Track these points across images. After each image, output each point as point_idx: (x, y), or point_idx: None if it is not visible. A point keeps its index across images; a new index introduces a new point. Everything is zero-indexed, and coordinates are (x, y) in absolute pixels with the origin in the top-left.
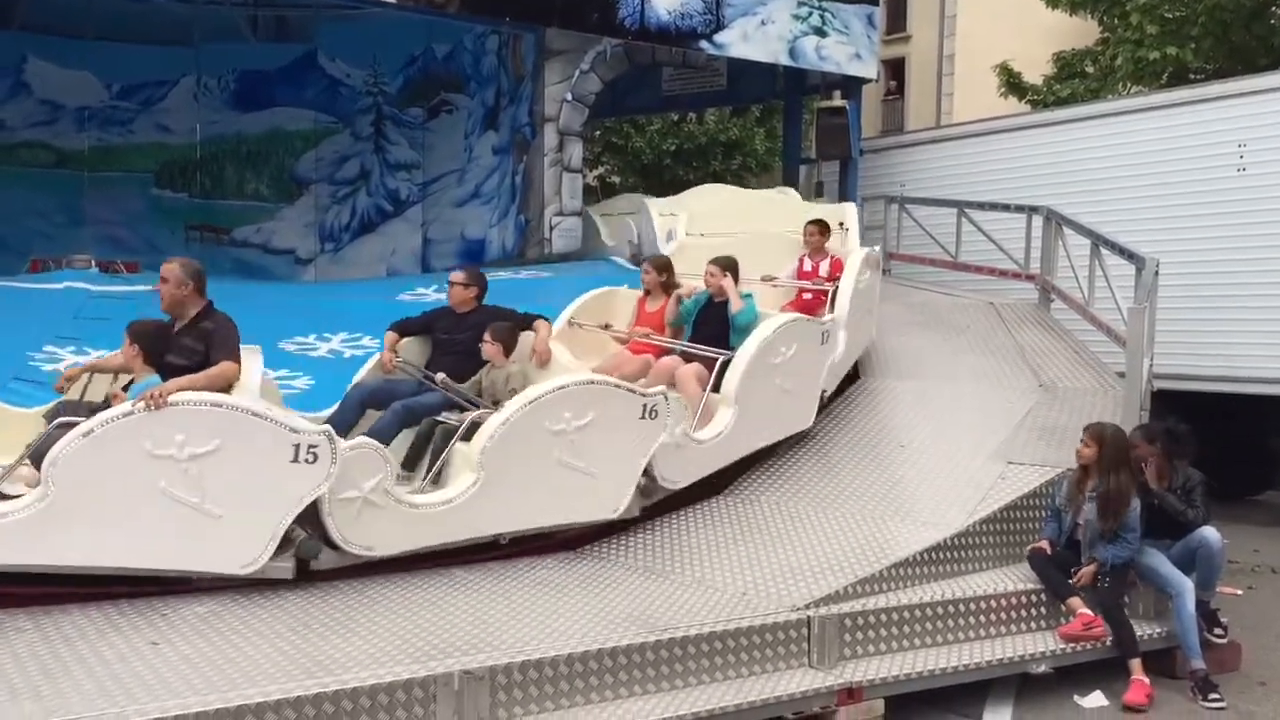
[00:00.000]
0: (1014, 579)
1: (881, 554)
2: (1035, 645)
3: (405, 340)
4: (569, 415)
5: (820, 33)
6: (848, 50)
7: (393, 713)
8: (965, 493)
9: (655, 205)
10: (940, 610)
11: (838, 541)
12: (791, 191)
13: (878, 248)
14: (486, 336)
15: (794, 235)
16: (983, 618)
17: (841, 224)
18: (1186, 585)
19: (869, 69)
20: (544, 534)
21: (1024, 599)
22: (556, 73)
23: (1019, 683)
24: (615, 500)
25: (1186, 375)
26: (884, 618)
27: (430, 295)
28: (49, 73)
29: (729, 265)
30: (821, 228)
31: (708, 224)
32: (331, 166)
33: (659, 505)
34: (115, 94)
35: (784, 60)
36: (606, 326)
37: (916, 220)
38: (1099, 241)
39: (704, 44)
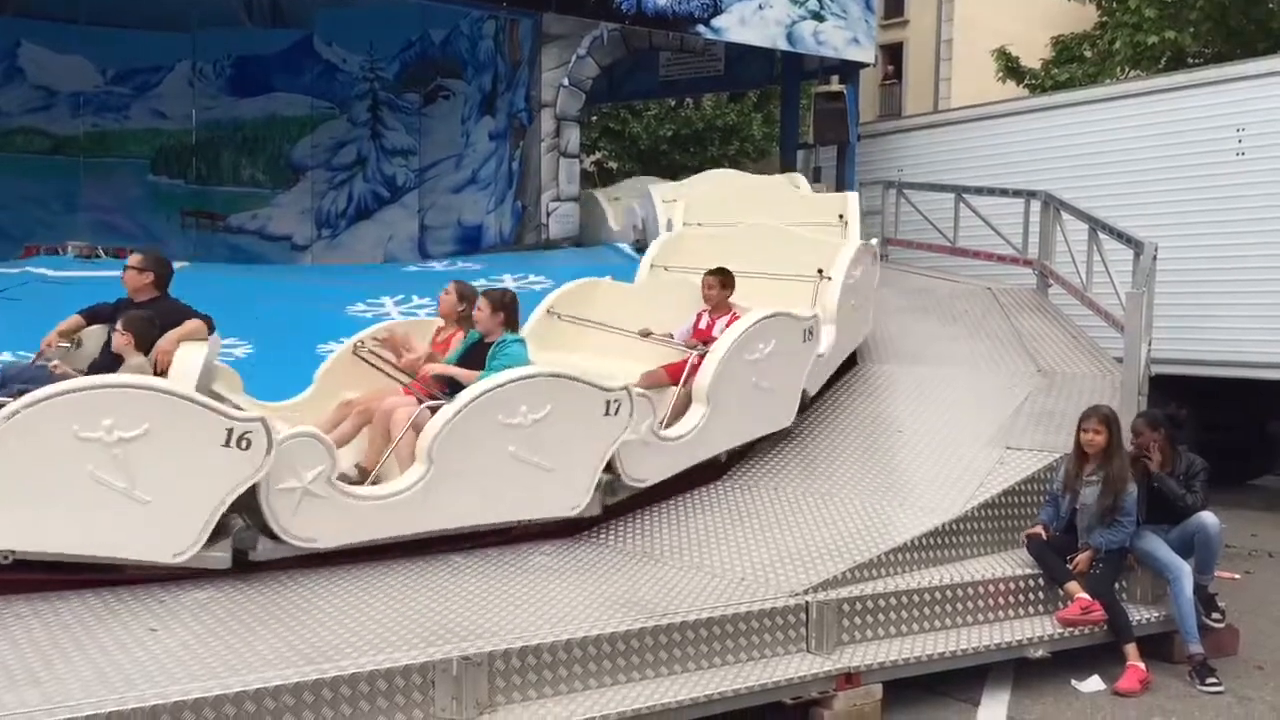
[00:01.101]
0: (1012, 564)
1: (880, 539)
2: (1033, 630)
3: (94, 328)
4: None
5: (818, 17)
6: (845, 35)
7: (391, 698)
8: (963, 478)
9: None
10: (938, 595)
11: (836, 527)
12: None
13: (875, 240)
14: (118, 326)
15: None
16: (980, 603)
17: (841, 216)
18: (1184, 570)
19: (867, 54)
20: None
21: (1021, 584)
22: (553, 58)
23: (1016, 667)
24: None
25: (1184, 360)
26: (882, 603)
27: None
28: (43, 58)
29: (501, 304)
30: (723, 280)
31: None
32: (328, 152)
33: (630, 501)
34: (110, 79)
35: (781, 45)
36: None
37: (914, 205)
38: (1097, 226)
39: (701, 28)
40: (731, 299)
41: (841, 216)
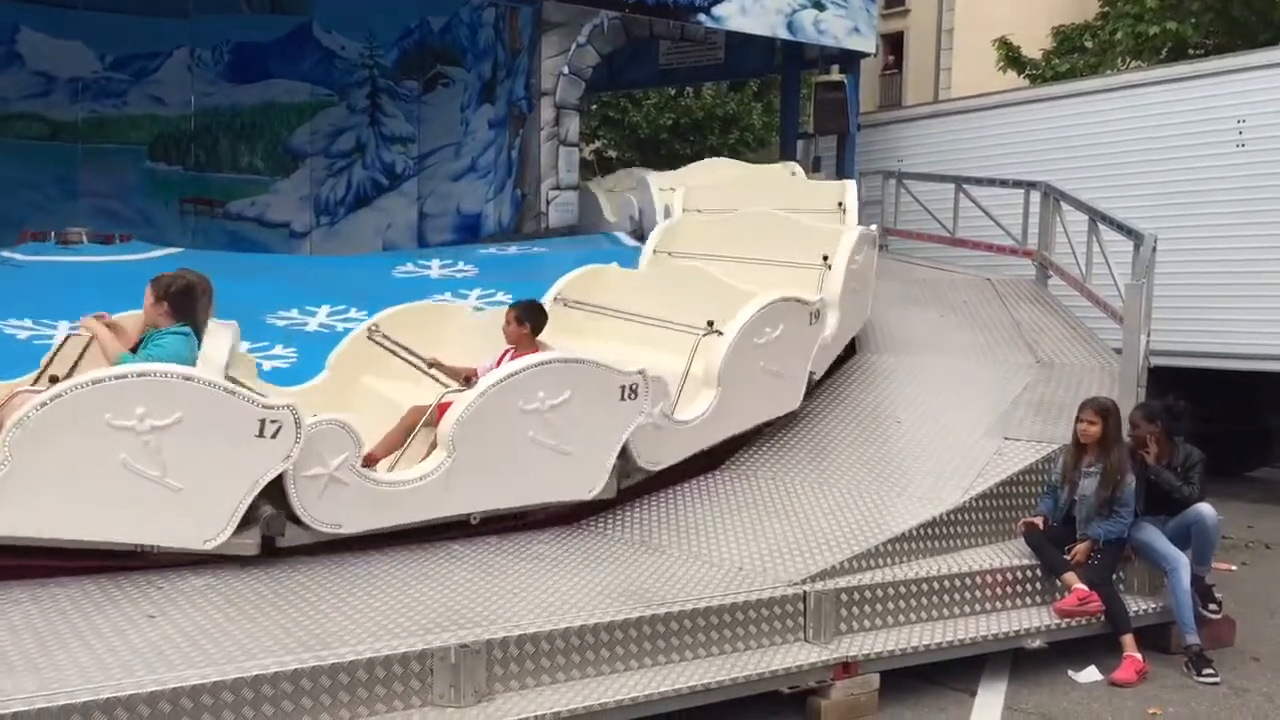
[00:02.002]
0: (1009, 554)
1: (878, 529)
2: (1030, 620)
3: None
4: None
5: (818, 6)
6: (846, 24)
7: (390, 686)
8: (961, 468)
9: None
10: (936, 585)
11: (834, 517)
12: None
13: (875, 226)
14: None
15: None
16: (978, 593)
17: (840, 204)
18: (1181, 561)
19: (867, 43)
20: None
21: (1019, 574)
22: (553, 46)
23: (1014, 657)
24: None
25: (1183, 351)
26: (880, 593)
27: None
28: (41, 43)
29: (166, 293)
30: (519, 315)
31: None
32: (326, 139)
33: (641, 486)
34: (108, 65)
35: (782, 34)
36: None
37: (914, 196)
38: (1097, 217)
39: (702, 17)
40: (551, 331)
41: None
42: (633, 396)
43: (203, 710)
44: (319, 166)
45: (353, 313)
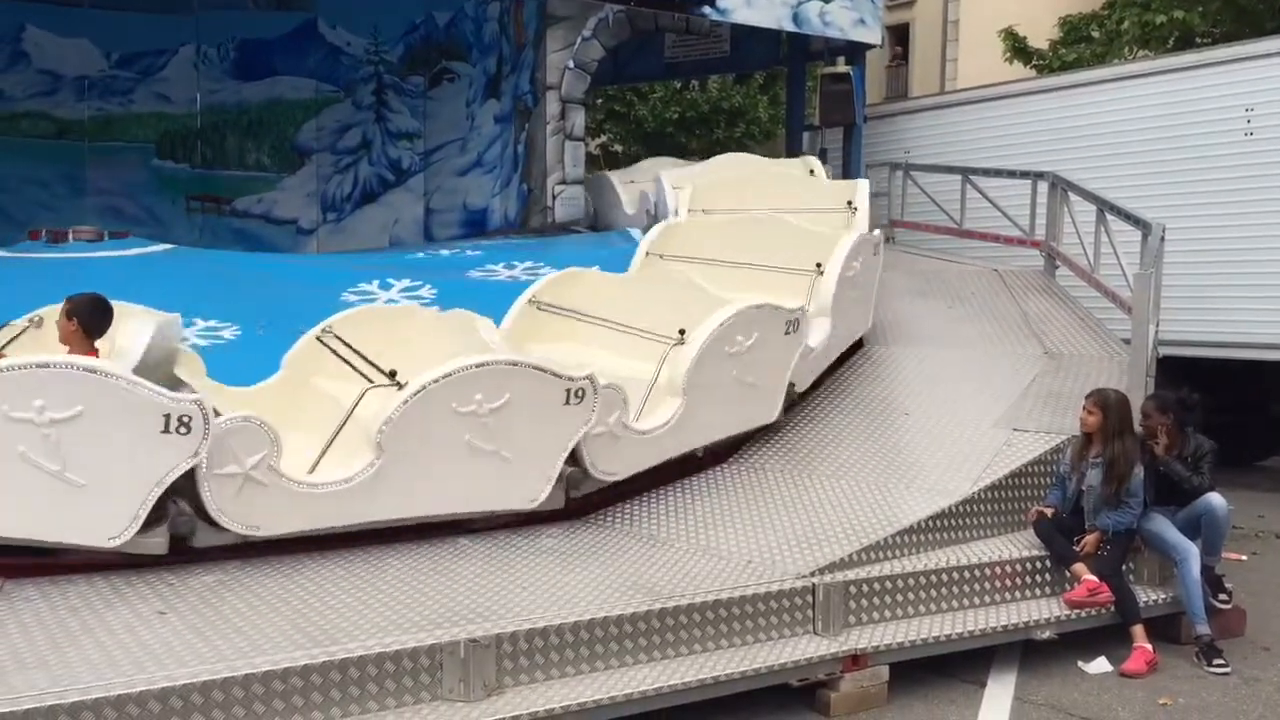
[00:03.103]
0: (1019, 546)
1: (886, 521)
2: (1040, 611)
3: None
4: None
5: None
6: (852, 15)
7: (399, 681)
8: (970, 460)
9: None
10: (945, 577)
11: (843, 509)
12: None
13: (878, 231)
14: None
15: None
16: (987, 584)
17: (850, 203)
18: (1191, 551)
19: (873, 34)
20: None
21: (1028, 565)
22: (558, 40)
23: (1023, 649)
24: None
25: (1192, 341)
26: (889, 585)
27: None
28: (47, 42)
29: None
30: (70, 311)
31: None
32: (333, 136)
33: (633, 487)
34: (114, 63)
35: (787, 26)
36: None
37: (921, 187)
38: (1105, 207)
39: (707, 9)
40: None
41: (851, 203)
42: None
43: (213, 706)
44: (325, 163)
45: None
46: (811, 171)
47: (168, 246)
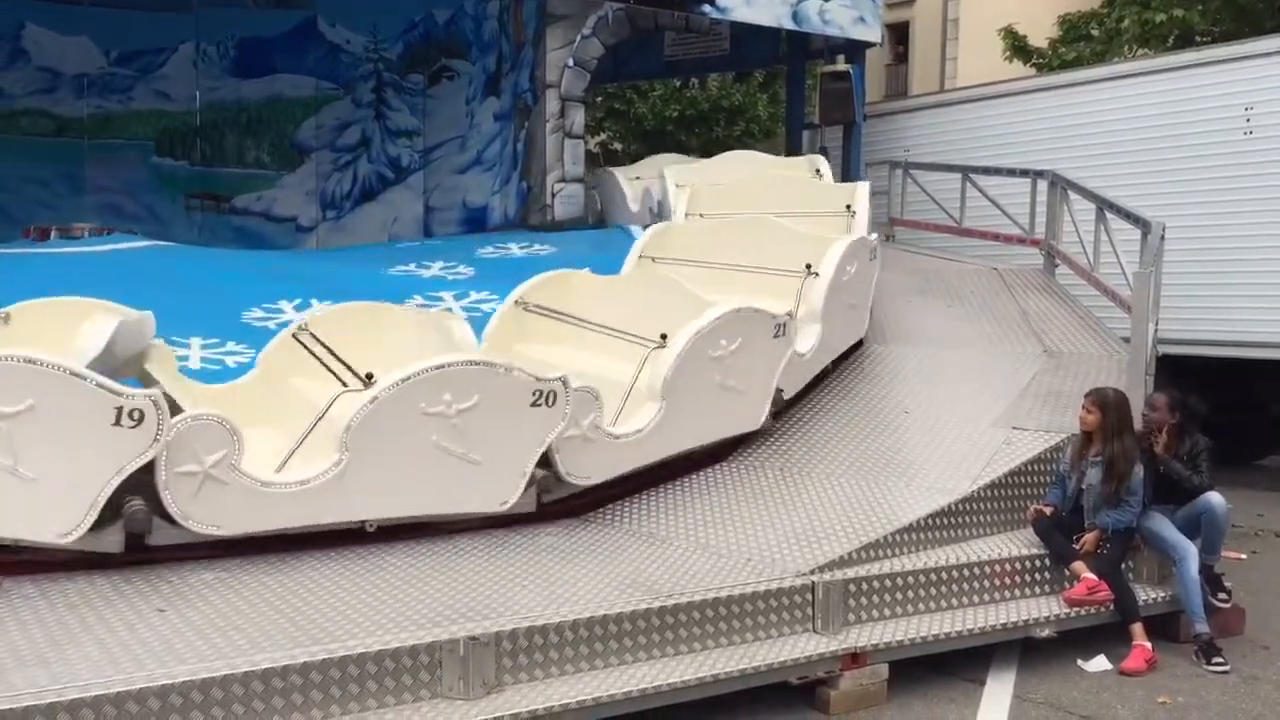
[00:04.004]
0: (1018, 544)
1: (886, 519)
2: (1039, 610)
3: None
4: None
5: None
6: (851, 14)
7: (399, 678)
8: (970, 458)
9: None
10: (944, 575)
11: (842, 507)
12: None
13: (875, 235)
14: None
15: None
16: (987, 582)
17: (849, 206)
18: (1190, 550)
19: (873, 33)
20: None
21: (1028, 564)
22: (558, 38)
23: (1023, 647)
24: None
25: (1192, 340)
26: (888, 583)
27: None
28: (47, 39)
29: None
30: None
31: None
32: (332, 134)
33: (633, 484)
34: (114, 60)
35: (787, 24)
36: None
37: (921, 185)
38: (1104, 206)
39: (706, 8)
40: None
41: (849, 207)
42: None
43: (212, 703)
44: (325, 161)
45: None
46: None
47: (144, 242)
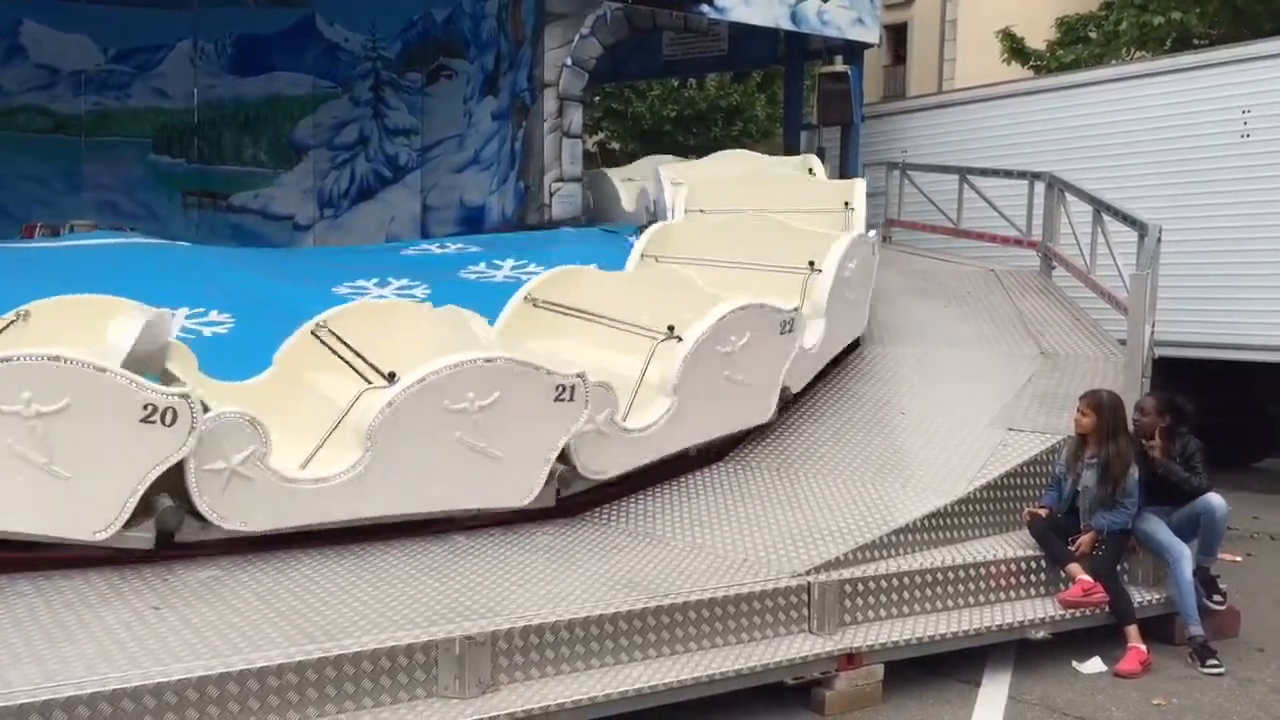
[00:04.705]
0: (1014, 545)
1: (882, 520)
2: (1034, 611)
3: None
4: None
5: None
6: (850, 15)
7: (395, 677)
8: (966, 460)
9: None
10: (940, 576)
11: (838, 508)
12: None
13: (874, 231)
14: None
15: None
16: (982, 584)
17: (847, 203)
18: (1184, 551)
19: (871, 34)
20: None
21: (1023, 565)
22: (556, 37)
23: (1018, 648)
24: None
25: (1188, 342)
26: (884, 584)
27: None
28: (45, 36)
29: None
30: None
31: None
32: (330, 132)
33: (630, 486)
34: (111, 58)
35: (785, 25)
36: None
37: (918, 187)
38: (1101, 208)
39: (705, 7)
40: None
41: (848, 204)
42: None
43: (208, 702)
44: (322, 159)
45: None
46: (810, 170)
47: (119, 239)
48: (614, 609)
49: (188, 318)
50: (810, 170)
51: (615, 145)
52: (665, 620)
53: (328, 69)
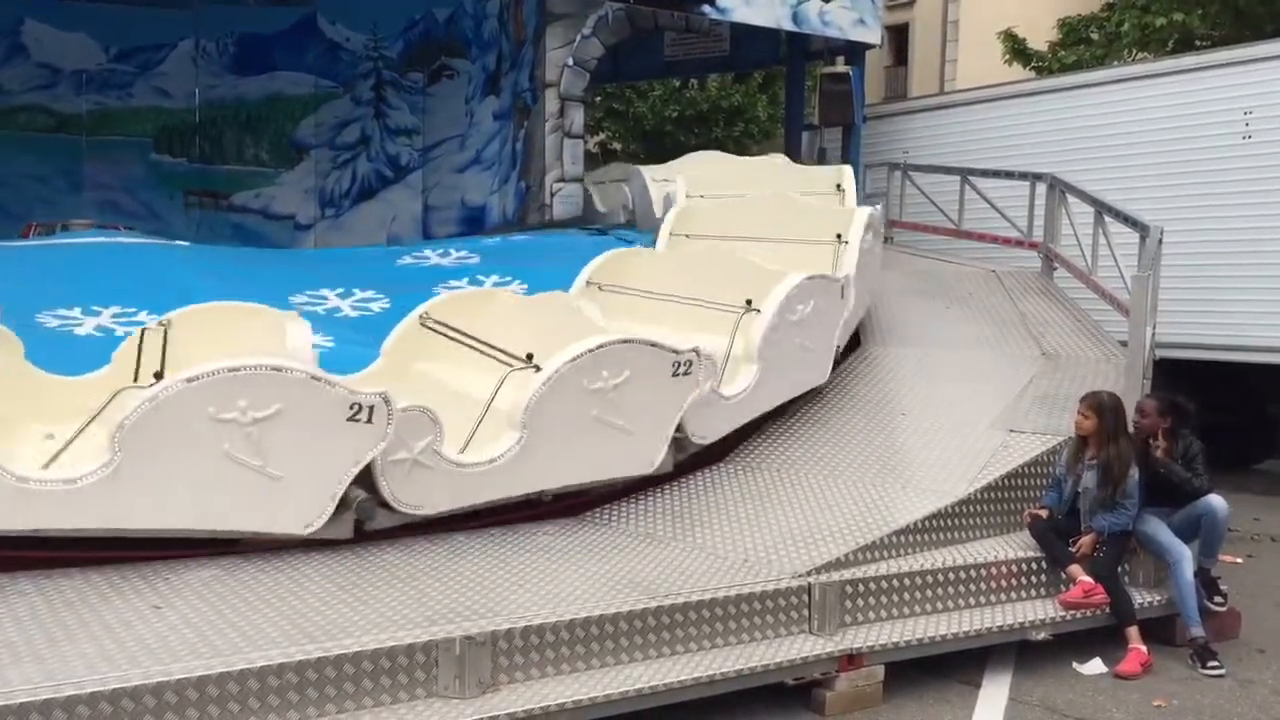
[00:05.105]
0: (1014, 547)
1: (883, 521)
2: (1035, 612)
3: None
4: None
5: None
6: (851, 15)
7: (394, 677)
8: (966, 461)
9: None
10: (941, 577)
11: (839, 508)
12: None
13: (879, 206)
14: None
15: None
16: (983, 585)
17: (839, 186)
18: (1185, 553)
19: (873, 34)
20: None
21: (1024, 566)
22: (558, 37)
23: (1018, 649)
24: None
25: (1189, 344)
26: (885, 584)
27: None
28: (46, 36)
29: None
30: None
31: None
32: (331, 132)
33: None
34: (113, 57)
35: (787, 25)
36: None
37: (919, 188)
38: (1102, 209)
39: (706, 8)
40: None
41: (840, 186)
42: (687, 373)
43: (208, 701)
44: (324, 159)
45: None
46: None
47: (98, 239)
48: (614, 609)
49: (114, 318)
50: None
51: (617, 145)
52: (666, 620)
53: (329, 68)
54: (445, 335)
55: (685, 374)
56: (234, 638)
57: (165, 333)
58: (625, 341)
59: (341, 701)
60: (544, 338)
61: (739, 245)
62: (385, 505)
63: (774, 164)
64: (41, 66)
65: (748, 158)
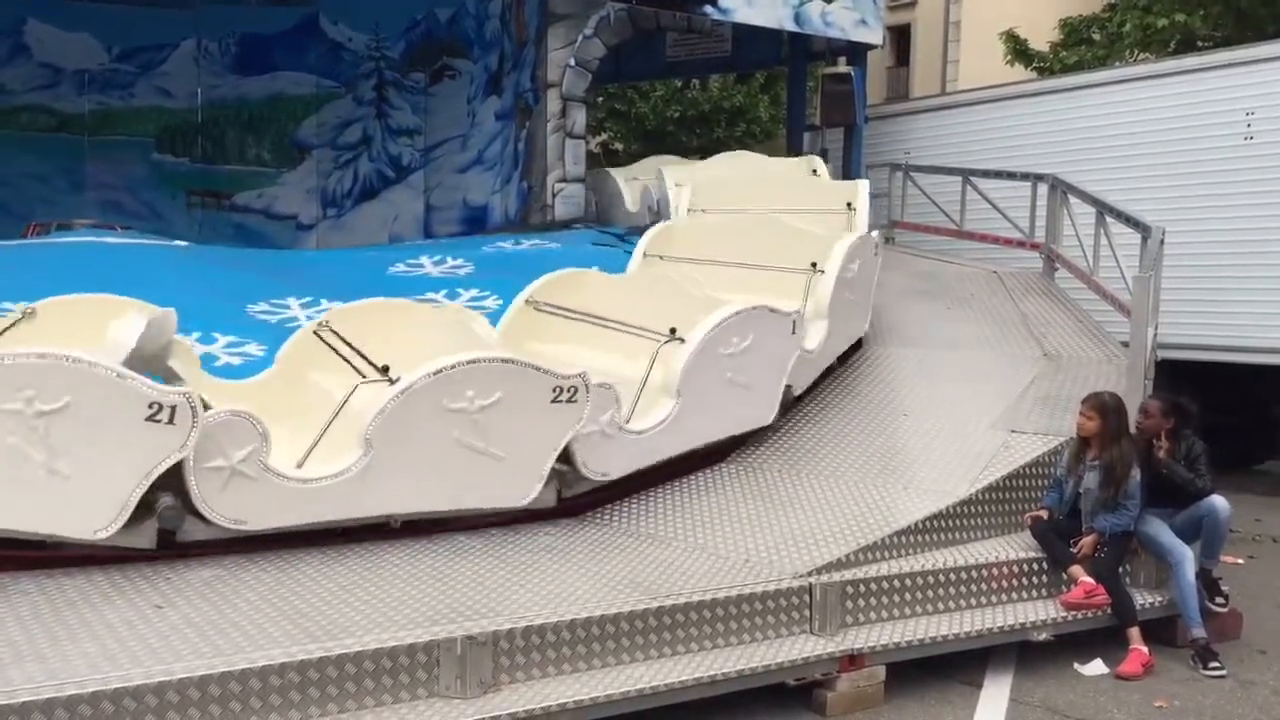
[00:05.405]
0: (1015, 547)
1: (884, 522)
2: (1036, 613)
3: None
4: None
5: None
6: (853, 16)
7: (396, 677)
8: (967, 461)
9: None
10: (942, 578)
11: (840, 509)
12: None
13: (876, 232)
14: None
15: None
16: (984, 585)
17: (850, 204)
18: (1186, 554)
19: (874, 35)
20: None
21: (1025, 567)
22: (560, 38)
23: (1020, 650)
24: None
25: (1191, 345)
26: (886, 585)
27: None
28: (48, 35)
29: None
30: None
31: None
32: (333, 132)
33: (631, 485)
34: (115, 57)
35: (789, 25)
36: None
37: (921, 188)
38: (1104, 210)
39: (708, 8)
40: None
41: (850, 204)
42: (571, 400)
43: (210, 701)
44: (325, 159)
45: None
46: (814, 171)
47: (84, 239)
48: (616, 609)
49: None
50: (814, 171)
51: (618, 146)
52: (667, 621)
53: (331, 68)
54: (329, 346)
55: (569, 401)
56: (236, 637)
57: (17, 321)
58: (505, 361)
59: (343, 701)
60: (436, 351)
61: (712, 270)
62: (197, 515)
63: (804, 174)
64: (43, 66)
65: (781, 160)
